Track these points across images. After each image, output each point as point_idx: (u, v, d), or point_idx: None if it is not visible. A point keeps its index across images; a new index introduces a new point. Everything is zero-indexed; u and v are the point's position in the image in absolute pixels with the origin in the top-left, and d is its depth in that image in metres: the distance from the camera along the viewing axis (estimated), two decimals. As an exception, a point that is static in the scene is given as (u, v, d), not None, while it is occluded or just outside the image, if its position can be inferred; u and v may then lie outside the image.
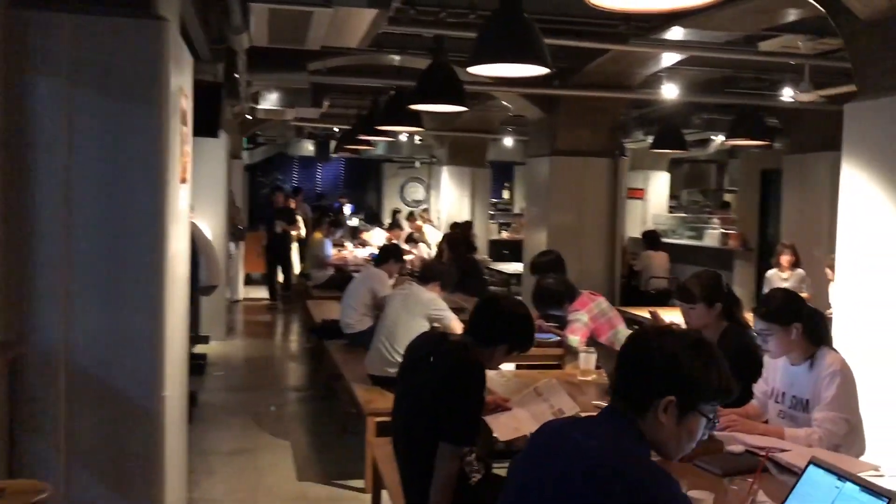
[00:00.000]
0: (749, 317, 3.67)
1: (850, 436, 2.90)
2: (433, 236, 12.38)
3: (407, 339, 4.75)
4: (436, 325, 4.85)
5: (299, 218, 12.73)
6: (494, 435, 2.84)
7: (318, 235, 10.65)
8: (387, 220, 17.47)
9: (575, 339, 4.57)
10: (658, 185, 16.52)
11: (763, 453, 2.51)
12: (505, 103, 11.36)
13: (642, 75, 8.87)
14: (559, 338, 4.72)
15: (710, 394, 1.80)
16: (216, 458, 5.12)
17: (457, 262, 7.71)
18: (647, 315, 7.40)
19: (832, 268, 7.65)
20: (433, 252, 11.23)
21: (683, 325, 3.53)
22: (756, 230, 12.43)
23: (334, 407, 6.21)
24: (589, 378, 3.84)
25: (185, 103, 3.83)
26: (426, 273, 5.07)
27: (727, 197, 19.42)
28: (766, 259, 12.34)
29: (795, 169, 10.72)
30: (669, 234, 16.48)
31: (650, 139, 12.38)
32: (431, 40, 7.99)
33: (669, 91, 9.01)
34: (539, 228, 9.80)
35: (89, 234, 3.14)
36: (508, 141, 17.96)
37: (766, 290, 8.32)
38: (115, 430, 3.23)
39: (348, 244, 12.23)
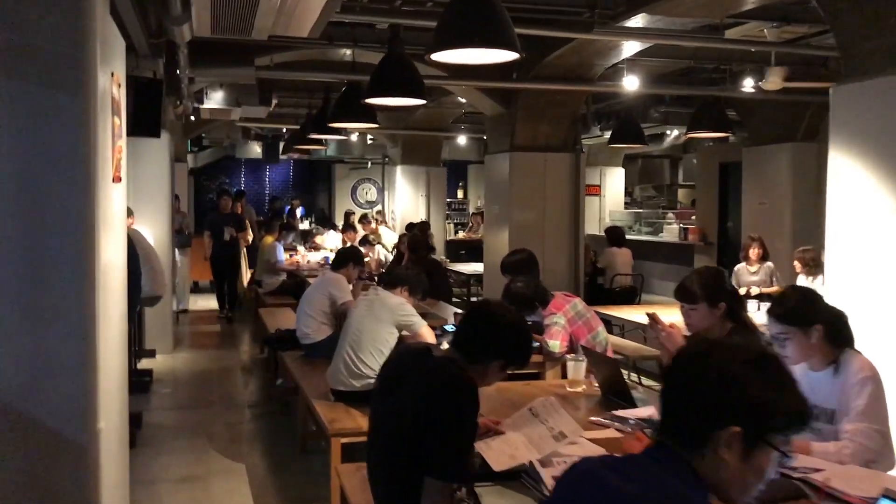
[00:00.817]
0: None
1: (883, 450, 2.60)
2: (389, 238, 11.97)
3: (374, 348, 4.40)
4: (404, 332, 4.46)
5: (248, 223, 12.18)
6: (488, 463, 2.44)
7: (268, 240, 10.15)
8: (339, 223, 16.99)
9: (555, 343, 4.22)
10: (614, 182, 16.36)
11: (798, 476, 2.20)
12: (460, 99, 11.03)
13: (603, 67, 8.60)
14: (537, 343, 4.37)
15: (784, 421, 1.45)
16: (164, 487, 4.65)
17: (419, 265, 7.31)
18: (614, 314, 7.15)
19: (802, 261, 7.49)
20: (390, 255, 10.81)
21: (683, 327, 3.20)
22: (715, 224, 12.29)
23: (292, 424, 5.77)
24: (579, 389, 3.48)
25: (117, 91, 3.37)
26: (392, 278, 4.67)
27: (681, 192, 19.41)
28: (726, 253, 12.24)
29: (755, 161, 10.59)
30: (626, 230, 16.35)
31: (607, 134, 12.17)
32: (385, 32, 7.61)
33: (631, 83, 8.76)
34: (500, 227, 9.47)
35: (2, 243, 2.68)
36: (462, 139, 17.62)
37: (734, 283, 8.11)
38: (41, 470, 2.76)
39: (300, 248, 11.74)
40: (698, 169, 13.30)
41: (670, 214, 16.11)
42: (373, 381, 4.37)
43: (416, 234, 8.09)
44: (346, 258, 5.99)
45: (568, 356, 3.51)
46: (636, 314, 7.14)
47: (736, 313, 3.16)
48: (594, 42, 7.68)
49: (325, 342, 5.69)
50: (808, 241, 9.87)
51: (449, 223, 16.20)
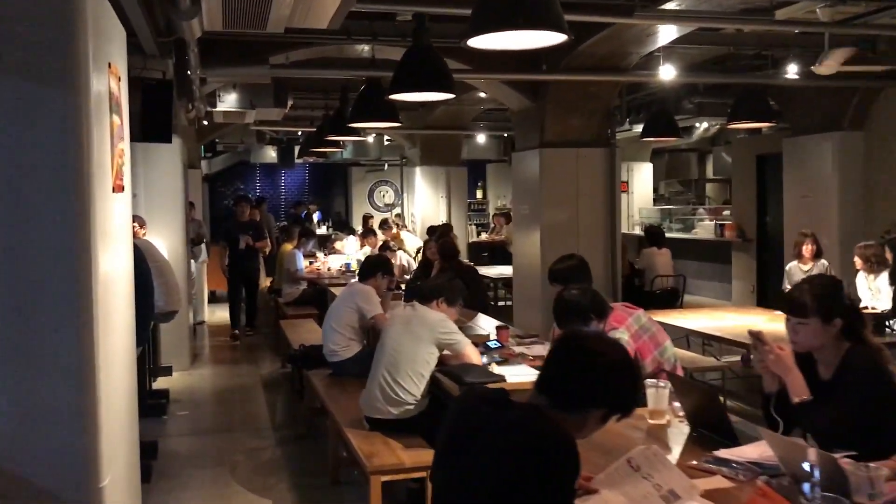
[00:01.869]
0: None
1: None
2: (412, 243, 11.48)
3: (413, 370, 3.92)
4: (446, 351, 3.98)
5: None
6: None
7: (287, 247, 9.72)
8: (357, 227, 16.54)
9: None
10: (642, 177, 15.83)
11: None
12: (481, 94, 10.54)
13: (639, 55, 8.08)
14: None
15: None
16: (183, 527, 4.20)
17: (454, 273, 6.83)
18: (658, 319, 6.63)
19: (864, 258, 6.93)
20: (413, 261, 10.33)
21: (788, 344, 2.69)
22: (754, 220, 11.72)
23: (320, 449, 5.30)
24: (662, 421, 2.97)
25: (117, 86, 2.91)
26: (426, 290, 4.19)
27: (709, 187, 18.80)
28: (766, 250, 11.68)
29: (796, 152, 10.03)
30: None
31: (636, 128, 11.65)
32: (406, 25, 7.14)
33: (667, 72, 8.23)
34: (531, 228, 8.97)
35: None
36: (481, 137, 17.11)
37: (787, 284, 7.58)
38: (33, 540, 2.31)
39: (319, 254, 11.30)
40: (734, 162, 12.73)
41: (701, 210, 15.56)
42: (412, 407, 3.90)
43: (447, 241, 7.61)
44: (375, 268, 5.51)
45: (647, 381, 3.01)
46: (681, 319, 6.64)
47: (855, 331, 2.65)
48: (630, 28, 7.17)
49: (354, 359, 5.24)
50: (857, 237, 9.34)
51: (470, 225, 15.71)
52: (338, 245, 12.54)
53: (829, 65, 6.75)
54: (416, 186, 14.69)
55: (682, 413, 3.02)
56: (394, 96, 5.77)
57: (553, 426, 1.78)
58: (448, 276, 4.36)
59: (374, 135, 15.00)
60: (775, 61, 8.80)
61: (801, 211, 9.95)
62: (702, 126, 14.02)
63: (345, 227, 17.36)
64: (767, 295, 11.52)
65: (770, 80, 8.75)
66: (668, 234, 13.27)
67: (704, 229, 12.95)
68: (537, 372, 3.47)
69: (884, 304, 6.56)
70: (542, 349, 4.43)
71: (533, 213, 8.91)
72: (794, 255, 7.63)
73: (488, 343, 4.39)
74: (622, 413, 1.90)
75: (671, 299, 8.84)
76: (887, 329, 5.84)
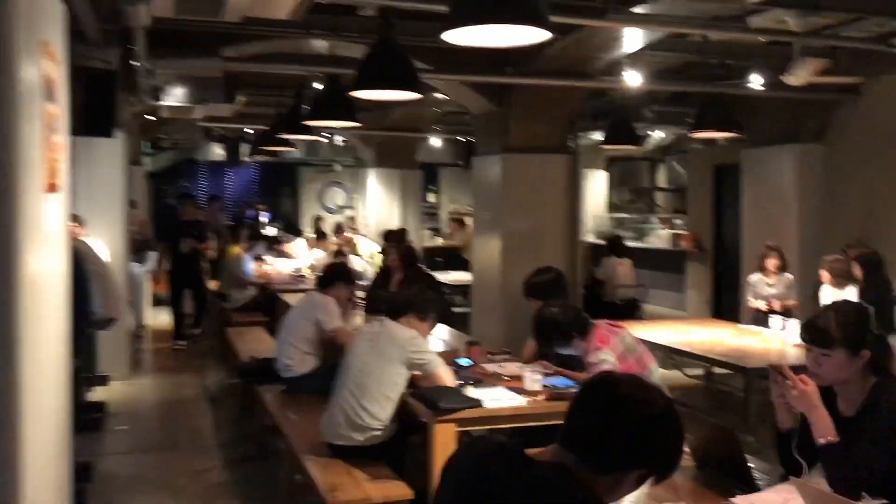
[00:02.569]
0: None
1: None
2: (367, 248, 11.12)
3: (380, 393, 3.59)
4: (416, 371, 3.66)
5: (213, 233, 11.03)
6: None
7: (235, 250, 9.27)
8: (307, 229, 16.10)
9: None
10: (596, 185, 15.72)
11: None
12: (440, 96, 10.23)
13: (605, 60, 7.88)
14: (577, 385, 3.60)
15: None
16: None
17: (416, 283, 6.51)
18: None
19: (831, 272, 6.83)
20: (368, 265, 9.99)
21: (809, 377, 2.44)
22: (710, 230, 11.66)
23: (273, 472, 4.93)
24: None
25: (54, 70, 2.53)
26: (395, 304, 3.87)
27: (661, 196, 18.83)
28: (721, 261, 11.63)
29: (755, 164, 9.96)
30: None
31: (593, 135, 11.50)
32: (369, 20, 6.82)
33: (633, 78, 8.06)
34: (492, 235, 8.70)
35: None
36: (436, 141, 16.82)
37: (749, 296, 7.46)
38: None
39: (268, 258, 10.86)
40: (690, 172, 12.68)
41: (655, 219, 15.52)
42: (379, 433, 3.57)
43: (409, 246, 7.28)
44: (335, 277, 5.17)
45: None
46: (645, 332, 6.42)
47: (882, 364, 2.42)
48: (599, 32, 6.97)
49: (310, 375, 4.90)
50: (816, 250, 9.30)
51: (423, 229, 15.39)
52: (287, 247, 12.12)
53: (800, 75, 6.63)
54: (370, 189, 14.32)
55: (686, 450, 2.76)
56: (358, 94, 5.44)
57: (585, 491, 1.48)
58: (417, 287, 4.04)
59: (335, 135, 14.59)
60: (739, 71, 8.71)
61: (759, 223, 9.89)
62: (656, 135, 13.95)
63: (292, 229, 16.89)
64: (722, 306, 11.48)
65: (734, 90, 8.64)
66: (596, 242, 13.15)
67: (660, 239, 12.87)
68: (516, 395, 3.16)
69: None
70: (515, 368, 4.15)
71: (495, 220, 8.65)
72: (757, 268, 7.49)
73: (458, 360, 4.08)
74: (664, 474, 1.61)
75: (632, 310, 8.68)
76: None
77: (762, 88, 8.55)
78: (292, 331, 4.95)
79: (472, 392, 3.46)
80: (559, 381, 3.65)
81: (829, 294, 6.79)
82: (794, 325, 6.30)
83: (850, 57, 7.66)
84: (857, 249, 8.61)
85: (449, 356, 4.18)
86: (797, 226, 9.44)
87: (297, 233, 15.81)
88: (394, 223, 13.73)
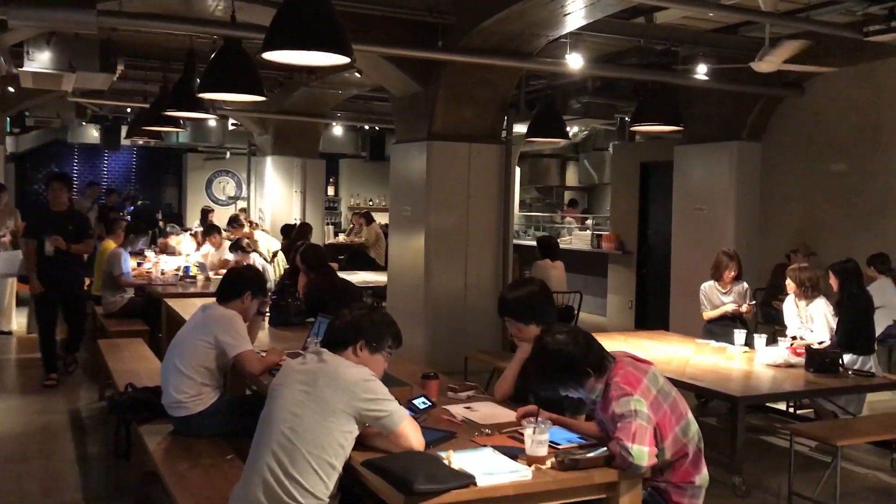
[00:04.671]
0: None
1: None
2: (267, 245, 9.85)
3: (319, 459, 2.47)
4: (370, 428, 2.61)
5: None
6: None
7: (109, 245, 7.88)
8: (193, 221, 14.60)
9: (642, 451, 2.44)
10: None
11: None
12: (356, 74, 9.14)
13: (546, 38, 7.01)
14: (592, 448, 2.58)
15: None
16: None
17: (328, 288, 5.44)
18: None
19: (797, 281, 6.15)
20: (269, 265, 8.78)
21: None
22: (635, 231, 11.03)
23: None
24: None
25: None
26: (337, 332, 2.77)
27: (567, 195, 18.33)
28: (646, 264, 11.03)
29: (690, 161, 9.38)
30: (521, 234, 14.99)
31: (517, 127, 10.68)
32: None
33: (574, 61, 7.23)
34: (414, 232, 7.70)
35: None
36: (337, 130, 15.67)
37: (706, 306, 6.74)
38: None
39: (150, 254, 9.47)
40: (614, 169, 12.03)
41: (569, 218, 14.92)
42: (318, 515, 2.51)
43: (315, 247, 6.15)
44: (241, 285, 4.01)
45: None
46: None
47: None
48: (540, 5, 6.08)
49: (208, 413, 3.78)
50: (753, 253, 8.80)
51: (326, 224, 14.20)
52: (172, 241, 10.72)
53: (771, 60, 5.93)
54: (267, 178, 13.01)
55: None
56: (272, 57, 4.33)
57: None
58: (364, 305, 2.97)
59: (227, 117, 13.18)
60: (683, 61, 8.04)
61: (691, 224, 9.30)
62: (572, 130, 13.30)
63: (176, 221, 15.32)
64: (647, 311, 10.89)
65: (678, 80, 7.97)
66: (530, 243, 12.37)
67: (580, 239, 12.19)
68: (516, 464, 2.22)
69: (817, 335, 5.82)
70: (490, 410, 3.16)
71: (417, 215, 7.64)
72: (711, 276, 6.79)
73: (415, 402, 3.05)
74: None
75: (567, 318, 7.83)
76: (841, 368, 5.06)
77: (706, 78, 7.91)
78: (185, 355, 3.78)
79: (454, 460, 2.43)
80: (563, 437, 2.68)
81: (792, 307, 6.15)
82: (761, 342, 5.62)
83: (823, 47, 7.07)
84: (804, 255, 8.16)
85: (402, 393, 3.14)
86: (734, 228, 8.89)
87: (179, 224, 14.33)
88: (293, 217, 12.51)
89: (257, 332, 4.26)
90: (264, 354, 3.97)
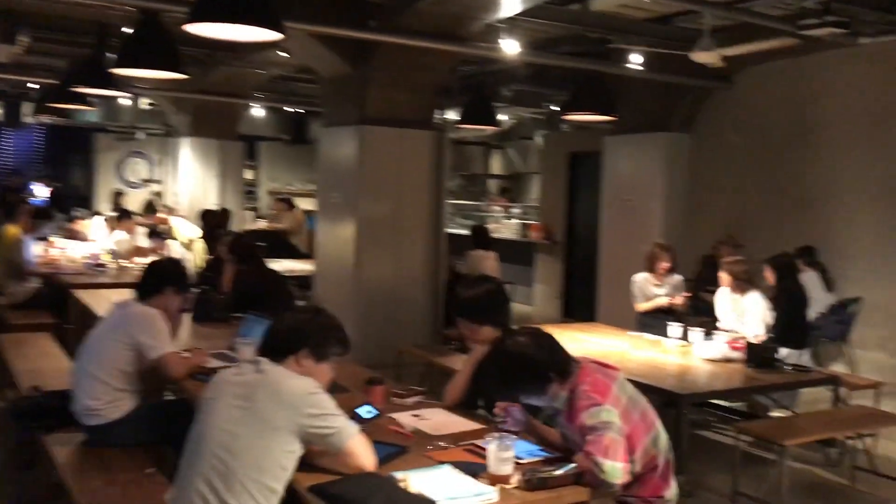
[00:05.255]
0: None
1: None
2: (186, 231, 9.34)
3: (256, 480, 2.13)
4: (315, 446, 2.34)
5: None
6: None
7: (12, 231, 7.30)
8: (103, 206, 13.87)
9: (616, 467, 2.25)
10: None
11: None
12: (281, 54, 8.72)
13: (482, 22, 6.78)
14: (560, 464, 2.37)
15: None
16: None
17: (259, 282, 5.11)
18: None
19: (732, 273, 6.14)
20: (188, 253, 8.32)
21: None
22: (563, 221, 10.97)
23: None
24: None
25: None
26: (278, 338, 2.47)
27: (492, 183, 18.22)
28: (573, 254, 10.99)
29: (619, 152, 9.33)
30: (447, 223, 14.76)
31: (447, 114, 10.47)
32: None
33: (510, 46, 7.03)
34: (343, 220, 7.39)
35: None
36: (257, 111, 15.09)
37: (639, 298, 6.68)
38: None
39: (55, 239, 8.87)
40: (543, 159, 11.94)
41: (496, 207, 14.81)
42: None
43: (242, 238, 5.77)
44: (163, 279, 3.66)
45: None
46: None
47: None
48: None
49: (125, 422, 3.43)
50: (681, 245, 8.79)
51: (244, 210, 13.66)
52: (82, 226, 10.08)
53: (711, 51, 5.86)
54: (183, 161, 12.41)
55: None
56: (197, 30, 3.98)
57: None
58: (308, 307, 2.68)
59: (140, 96, 12.50)
60: (616, 51, 7.95)
61: (620, 215, 9.28)
62: (502, 118, 13.17)
63: (84, 205, 14.52)
64: (574, 302, 10.87)
65: (611, 69, 7.88)
66: (459, 232, 12.20)
67: (507, 228, 12.07)
68: (481, 485, 2.02)
69: (751, 329, 5.82)
70: (441, 418, 2.93)
71: (347, 203, 7.33)
72: (646, 268, 6.73)
73: (358, 412, 2.79)
74: None
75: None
76: (776, 362, 5.03)
77: (640, 68, 7.85)
78: (99, 358, 3.42)
79: (412, 481, 2.19)
80: (523, 449, 2.46)
81: (727, 300, 6.14)
82: (699, 336, 5.58)
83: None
84: (731, 247, 8.21)
85: (339, 404, 2.86)
86: (662, 219, 8.90)
87: (87, 209, 13.56)
88: (211, 202, 11.98)
89: (180, 327, 3.92)
90: (188, 355, 3.64)
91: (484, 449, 2.52)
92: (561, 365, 2.51)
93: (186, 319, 4.59)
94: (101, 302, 5.57)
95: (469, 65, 9.76)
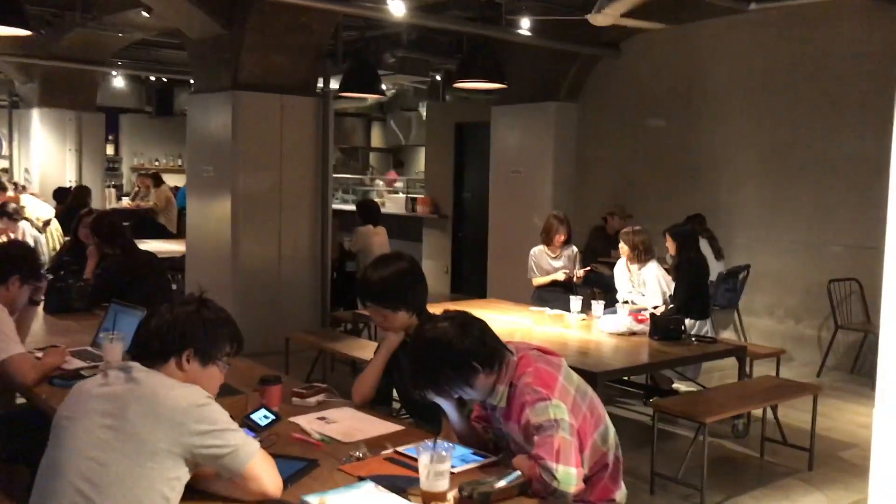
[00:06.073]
0: None
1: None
2: (38, 211, 8.38)
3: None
4: (206, 468, 1.89)
5: None
6: None
7: None
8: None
9: (570, 473, 1.90)
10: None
11: None
12: (144, 14, 7.93)
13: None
14: (501, 474, 2.02)
15: None
16: None
17: (126, 267, 4.50)
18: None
19: (631, 244, 5.96)
20: (41, 235, 7.47)
21: None
22: (450, 194, 10.67)
23: None
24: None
25: None
26: (156, 337, 1.98)
27: (374, 157, 17.77)
28: (461, 228, 10.72)
29: (507, 122, 9.09)
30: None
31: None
32: None
33: (397, 7, 6.60)
34: (216, 196, 6.80)
35: None
36: (117, 81, 14.00)
37: (535, 272, 6.45)
38: None
39: None
40: (429, 130, 11.55)
41: (379, 181, 14.38)
42: None
43: (106, 216, 5.07)
44: (7, 267, 3.05)
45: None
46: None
47: None
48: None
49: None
50: (572, 216, 8.70)
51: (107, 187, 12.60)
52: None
53: (608, 13, 5.63)
54: (33, 134, 11.27)
55: None
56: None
57: None
58: (191, 297, 2.17)
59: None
60: (507, 14, 7.66)
61: (509, 186, 9.06)
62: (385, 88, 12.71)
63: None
64: (463, 277, 10.63)
65: (503, 34, 7.58)
66: (341, 207, 11.69)
67: (394, 203, 11.66)
68: (399, 500, 1.65)
69: (650, 300, 5.70)
70: (352, 421, 2.52)
71: (220, 176, 6.73)
72: (542, 240, 6.50)
73: (252, 417, 2.35)
74: None
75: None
76: (681, 334, 4.90)
77: (529, 34, 7.59)
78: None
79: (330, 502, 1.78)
80: (457, 455, 2.09)
81: (624, 271, 5.99)
82: (600, 309, 5.40)
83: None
84: (621, 218, 8.14)
85: (230, 410, 2.39)
86: (552, 190, 8.73)
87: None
88: (68, 179, 10.96)
89: (30, 326, 3.32)
90: (40, 356, 3.07)
91: (409, 458, 2.15)
92: (487, 352, 2.15)
93: (39, 312, 3.95)
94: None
95: (351, 30, 9.26)
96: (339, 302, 7.45)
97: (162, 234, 10.70)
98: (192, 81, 8.02)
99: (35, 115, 11.22)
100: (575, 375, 2.24)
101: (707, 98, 7.91)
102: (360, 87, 8.43)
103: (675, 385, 5.65)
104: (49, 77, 10.80)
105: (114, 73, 12.49)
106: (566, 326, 5.32)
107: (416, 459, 1.95)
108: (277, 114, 6.74)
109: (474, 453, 2.23)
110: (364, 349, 5.18)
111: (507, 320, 5.43)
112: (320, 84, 7.26)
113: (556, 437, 1.98)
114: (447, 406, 2.28)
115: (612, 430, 2.25)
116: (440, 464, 1.88)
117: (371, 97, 10.07)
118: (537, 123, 8.82)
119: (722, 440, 4.79)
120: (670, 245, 5.65)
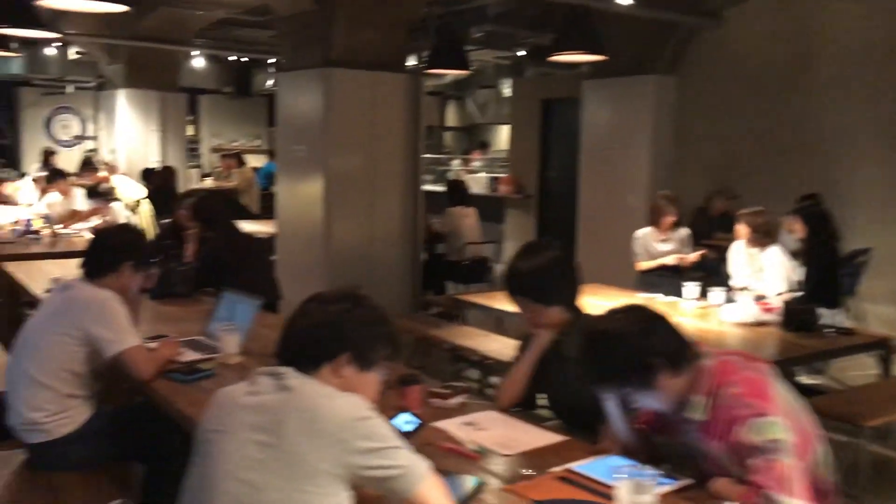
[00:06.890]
0: None
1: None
2: (129, 191, 8.36)
3: None
4: (368, 489, 1.65)
5: None
6: None
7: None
8: (32, 166, 12.69)
9: None
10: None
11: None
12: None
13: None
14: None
15: None
16: None
17: (226, 249, 4.34)
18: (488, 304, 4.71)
19: (753, 226, 5.57)
20: (133, 216, 7.43)
21: None
22: (535, 174, 10.32)
23: None
24: None
25: None
26: (307, 339, 1.71)
27: (448, 136, 17.46)
28: (548, 209, 10.38)
29: (601, 97, 8.66)
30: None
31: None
32: None
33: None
34: (308, 177, 6.61)
35: None
36: (198, 62, 14.03)
37: (641, 254, 6.10)
38: None
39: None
40: (514, 108, 11.19)
41: (454, 161, 14.10)
42: None
43: (206, 198, 4.93)
44: (119, 252, 2.88)
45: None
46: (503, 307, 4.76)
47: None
48: None
49: (78, 437, 2.67)
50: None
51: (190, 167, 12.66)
52: (9, 189, 9.03)
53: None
54: (119, 115, 11.33)
55: None
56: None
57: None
58: (342, 293, 1.91)
59: (76, 41, 11.33)
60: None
61: (600, 165, 8.65)
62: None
63: (12, 166, 13.31)
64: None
65: (601, 4, 7.18)
66: (427, 188, 11.44)
67: (476, 183, 11.37)
68: None
69: (772, 287, 5.28)
70: (503, 428, 2.27)
71: (313, 156, 6.53)
72: (651, 222, 6.13)
73: (394, 423, 2.11)
74: None
75: (481, 272, 7.05)
76: (816, 325, 4.49)
77: (626, 3, 7.18)
78: (40, 357, 2.64)
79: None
80: (603, 467, 1.81)
81: (742, 255, 5.59)
82: (720, 297, 5.02)
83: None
84: (727, 198, 7.70)
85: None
86: (647, 169, 8.30)
87: (14, 169, 12.40)
88: (152, 160, 10.99)
89: (138, 315, 3.15)
90: (154, 347, 2.90)
91: (585, 478, 1.87)
92: (674, 352, 1.85)
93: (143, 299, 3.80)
94: (34, 275, 4.78)
95: (434, 5, 8.98)
96: (428, 285, 7.24)
97: (244, 214, 10.66)
98: (274, 61, 7.86)
99: (121, 95, 11.28)
100: (782, 385, 1.93)
101: (821, 68, 7.36)
102: (447, 64, 8.12)
103: (799, 379, 5.24)
104: (134, 58, 10.82)
105: (195, 52, 12.46)
106: (681, 315, 4.96)
107: (593, 480, 1.67)
108: (369, 91, 6.50)
109: (663, 475, 1.94)
110: (467, 337, 4.93)
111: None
112: (410, 61, 7.02)
113: (778, 463, 1.67)
114: (614, 412, 2.00)
115: (827, 448, 1.93)
116: (643, 495, 1.59)
117: (458, 73, 9.77)
118: (633, 98, 8.38)
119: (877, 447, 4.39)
120: (798, 227, 5.23)
